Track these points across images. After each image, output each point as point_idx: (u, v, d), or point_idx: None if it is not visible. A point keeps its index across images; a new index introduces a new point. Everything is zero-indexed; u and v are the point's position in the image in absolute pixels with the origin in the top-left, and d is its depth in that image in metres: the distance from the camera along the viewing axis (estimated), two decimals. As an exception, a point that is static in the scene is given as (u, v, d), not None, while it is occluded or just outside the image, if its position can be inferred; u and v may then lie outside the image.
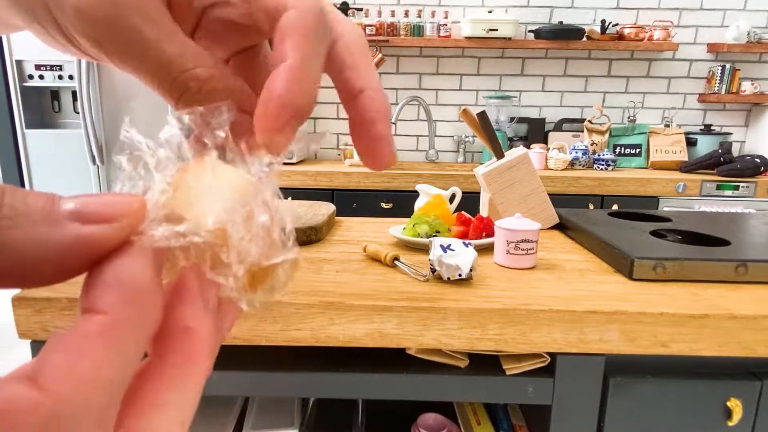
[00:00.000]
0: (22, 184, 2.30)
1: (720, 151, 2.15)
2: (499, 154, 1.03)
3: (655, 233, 0.87)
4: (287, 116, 0.19)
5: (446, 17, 2.45)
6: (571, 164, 2.33)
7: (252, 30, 0.23)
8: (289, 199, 1.00)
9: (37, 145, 2.26)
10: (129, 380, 0.13)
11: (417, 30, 2.46)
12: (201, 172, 0.16)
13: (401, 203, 2.08)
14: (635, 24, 2.46)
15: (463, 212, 0.95)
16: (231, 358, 0.70)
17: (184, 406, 0.15)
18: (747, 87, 2.45)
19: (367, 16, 2.49)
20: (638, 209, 1.09)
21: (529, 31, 2.50)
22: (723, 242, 0.83)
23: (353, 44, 0.22)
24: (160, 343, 0.15)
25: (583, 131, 2.50)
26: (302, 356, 0.70)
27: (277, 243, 0.17)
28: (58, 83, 2.23)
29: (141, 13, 0.18)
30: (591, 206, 2.07)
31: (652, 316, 0.61)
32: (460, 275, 0.68)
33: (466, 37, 2.40)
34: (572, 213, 1.04)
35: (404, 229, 0.91)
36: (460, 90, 2.61)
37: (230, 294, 0.16)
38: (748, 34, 2.39)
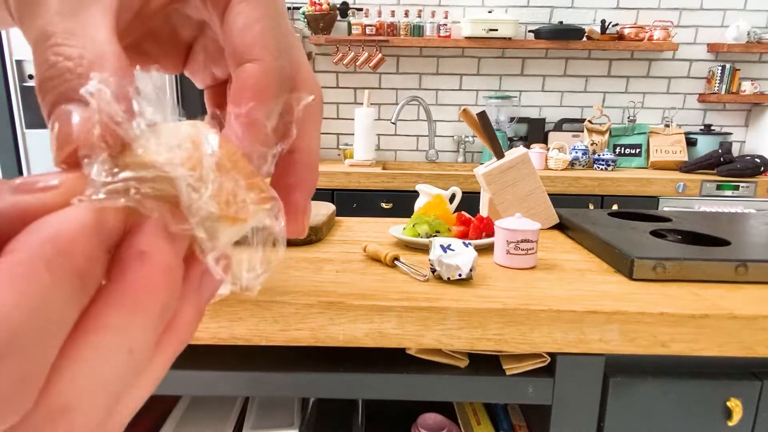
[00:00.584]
0: (22, 184, 2.30)
1: (720, 151, 2.15)
2: (499, 154, 1.03)
3: (655, 233, 0.87)
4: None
5: (446, 17, 2.45)
6: (571, 164, 2.33)
7: None
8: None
9: (37, 145, 2.26)
10: (58, 332, 0.12)
11: (417, 30, 2.46)
12: (149, 133, 0.15)
13: (401, 203, 2.08)
14: (635, 24, 2.46)
15: (463, 212, 0.95)
16: (231, 358, 0.70)
17: (131, 333, 0.13)
18: (747, 87, 2.45)
19: (367, 16, 2.49)
20: (638, 209, 1.09)
21: (529, 31, 2.50)
22: (723, 242, 0.83)
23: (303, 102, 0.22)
24: (110, 269, 0.14)
25: (583, 131, 2.50)
26: (302, 356, 0.70)
27: (246, 198, 0.16)
28: (58, 83, 2.22)
29: None
30: (591, 206, 2.07)
31: (652, 316, 0.61)
32: (460, 275, 0.68)
33: (466, 37, 2.40)
34: (572, 213, 1.04)
35: (404, 229, 0.91)
36: (460, 90, 2.61)
37: (199, 249, 0.15)
38: (748, 34, 2.39)
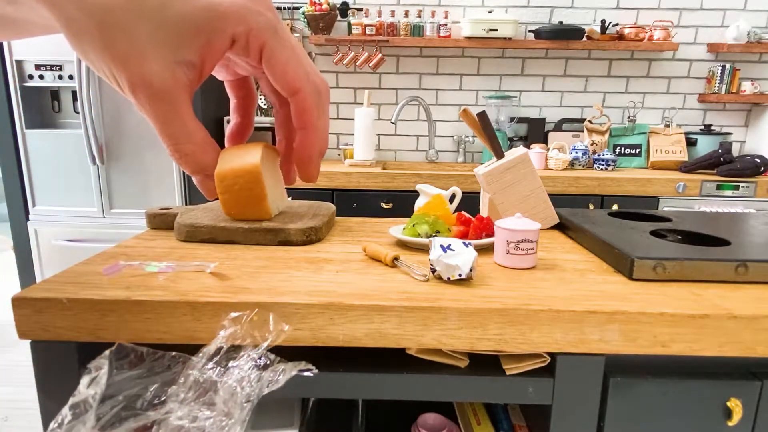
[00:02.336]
0: (22, 184, 2.30)
1: (720, 151, 2.15)
2: (499, 154, 1.03)
3: (655, 233, 0.87)
4: (315, 156, 0.35)
5: (446, 17, 2.45)
6: (571, 164, 2.33)
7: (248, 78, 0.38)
8: (289, 198, 1.00)
9: (37, 145, 2.26)
10: None
11: (417, 30, 2.46)
12: None
13: (401, 203, 2.08)
14: (635, 24, 2.46)
15: (463, 212, 0.95)
16: (231, 358, 0.70)
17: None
18: (747, 87, 2.45)
19: (367, 16, 2.49)
20: (638, 209, 1.09)
21: (529, 31, 2.50)
22: (723, 242, 0.83)
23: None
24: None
25: (583, 131, 2.50)
26: (302, 356, 0.70)
27: None
28: (58, 83, 2.23)
29: (173, 107, 0.28)
30: (591, 206, 2.07)
31: (652, 316, 0.61)
32: (460, 275, 0.68)
33: (466, 37, 2.40)
34: (572, 213, 1.04)
35: (404, 229, 0.91)
36: (460, 90, 2.61)
37: None
38: (748, 34, 2.40)
